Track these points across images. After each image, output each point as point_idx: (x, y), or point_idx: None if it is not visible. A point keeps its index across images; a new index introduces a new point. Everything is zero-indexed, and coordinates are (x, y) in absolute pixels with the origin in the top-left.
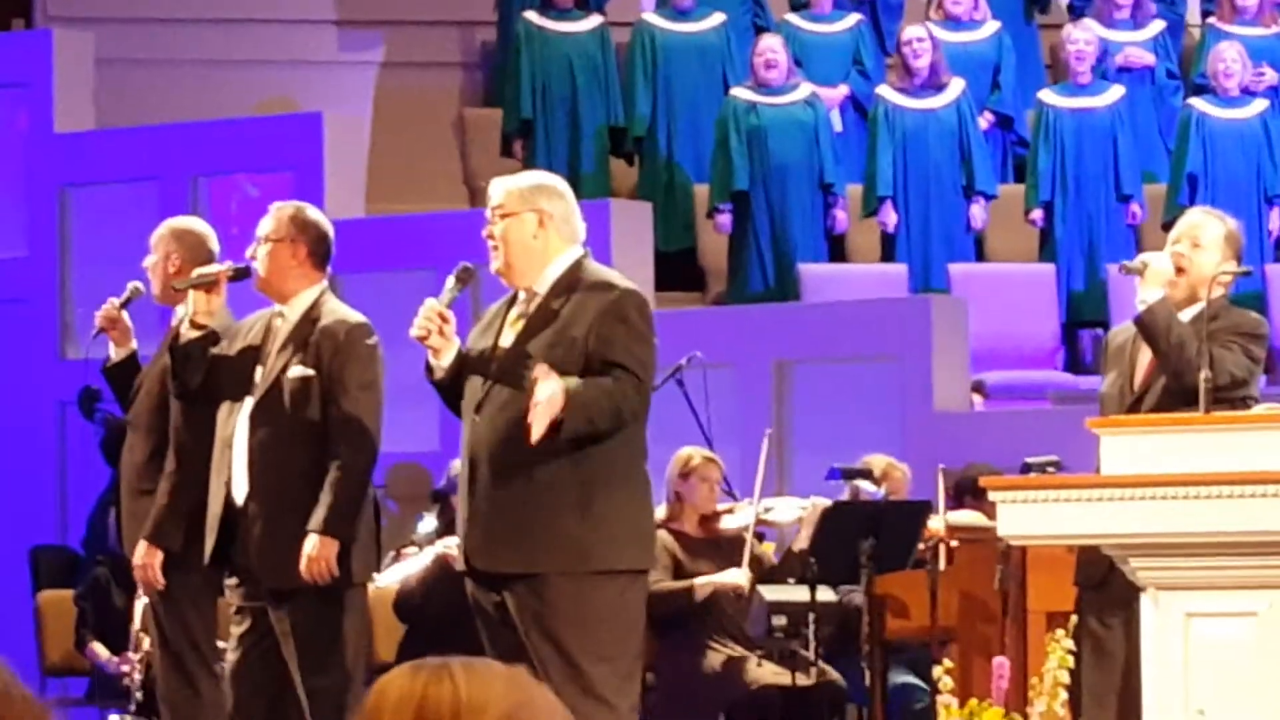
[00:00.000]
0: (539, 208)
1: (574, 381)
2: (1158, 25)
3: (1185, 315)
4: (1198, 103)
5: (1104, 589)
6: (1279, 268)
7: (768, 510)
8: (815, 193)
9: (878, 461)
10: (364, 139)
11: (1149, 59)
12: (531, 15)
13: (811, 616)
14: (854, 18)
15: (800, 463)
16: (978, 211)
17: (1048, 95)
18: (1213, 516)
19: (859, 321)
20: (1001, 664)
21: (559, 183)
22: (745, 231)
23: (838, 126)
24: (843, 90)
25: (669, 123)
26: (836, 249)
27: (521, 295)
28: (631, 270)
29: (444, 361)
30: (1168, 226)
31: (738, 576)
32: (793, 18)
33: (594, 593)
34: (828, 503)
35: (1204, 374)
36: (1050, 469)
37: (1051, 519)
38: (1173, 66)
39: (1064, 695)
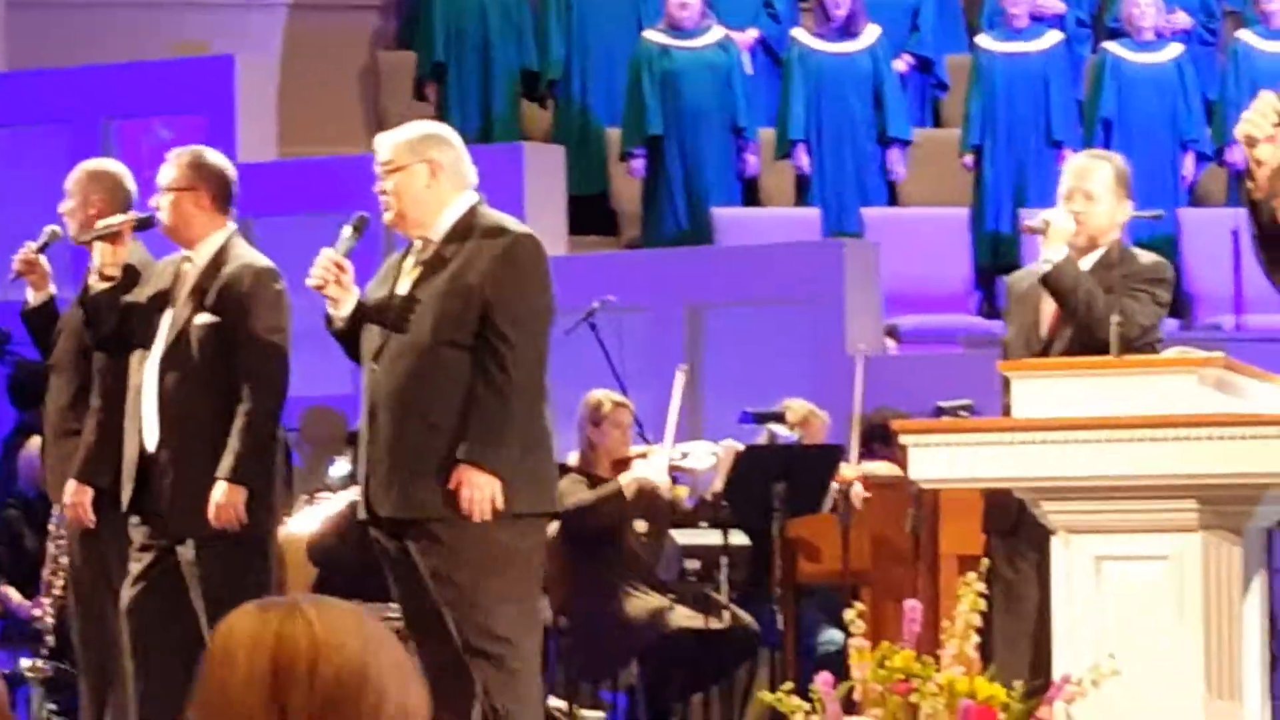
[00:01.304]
0: (429, 158)
1: (477, 441)
2: None
3: (1086, 262)
4: (1112, 47)
5: (1014, 535)
6: (1192, 212)
7: (683, 456)
8: (728, 136)
9: (798, 407)
10: (275, 82)
11: (1060, 7)
12: None
13: (724, 560)
14: None
15: (713, 406)
16: (896, 156)
17: (984, 40)
18: (1123, 460)
19: (772, 265)
20: (913, 607)
21: (446, 130)
22: (658, 175)
23: (748, 70)
24: (753, 33)
25: (582, 66)
26: (750, 193)
27: (417, 244)
28: (544, 214)
29: (343, 311)
30: None
31: (658, 472)
32: None
33: (494, 536)
34: (741, 446)
35: (1115, 317)
36: (963, 413)
37: (963, 462)
38: (1083, 15)
39: (975, 638)
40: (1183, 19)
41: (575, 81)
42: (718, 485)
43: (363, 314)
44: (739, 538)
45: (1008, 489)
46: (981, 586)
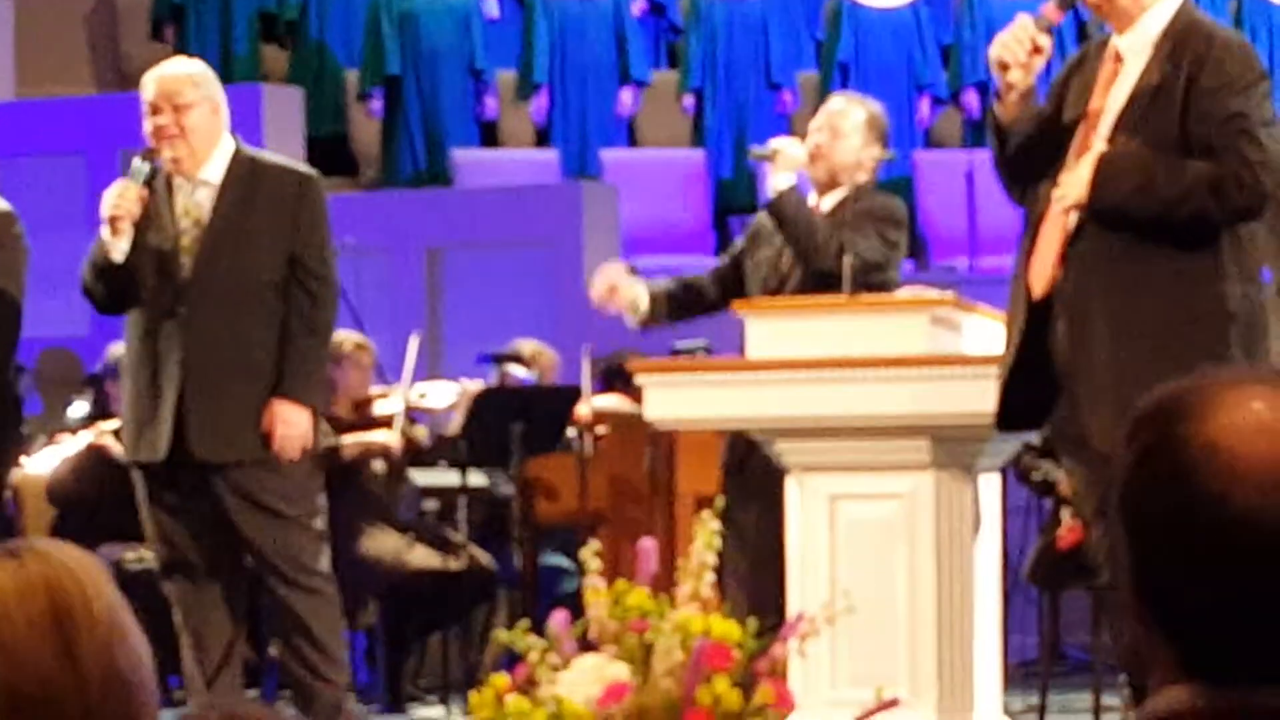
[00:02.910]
0: (210, 95)
1: (295, 378)
2: None
3: (827, 201)
4: None
5: (742, 473)
6: (928, 154)
7: (422, 396)
8: (467, 78)
9: (528, 346)
10: (11, 22)
11: None
12: None
13: (463, 500)
14: None
15: (452, 348)
16: (627, 97)
17: None
18: (857, 399)
19: (511, 207)
20: (648, 546)
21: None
22: (397, 116)
23: (493, 12)
24: None
25: (319, 7)
26: (489, 134)
27: (180, 183)
28: (283, 154)
29: (124, 244)
30: None
31: (387, 437)
32: None
33: (298, 468)
34: (480, 387)
35: (847, 258)
36: (700, 353)
37: (698, 402)
38: None
39: (710, 576)
40: None
41: (312, 22)
42: (456, 426)
43: (149, 255)
44: (477, 478)
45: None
46: (717, 525)
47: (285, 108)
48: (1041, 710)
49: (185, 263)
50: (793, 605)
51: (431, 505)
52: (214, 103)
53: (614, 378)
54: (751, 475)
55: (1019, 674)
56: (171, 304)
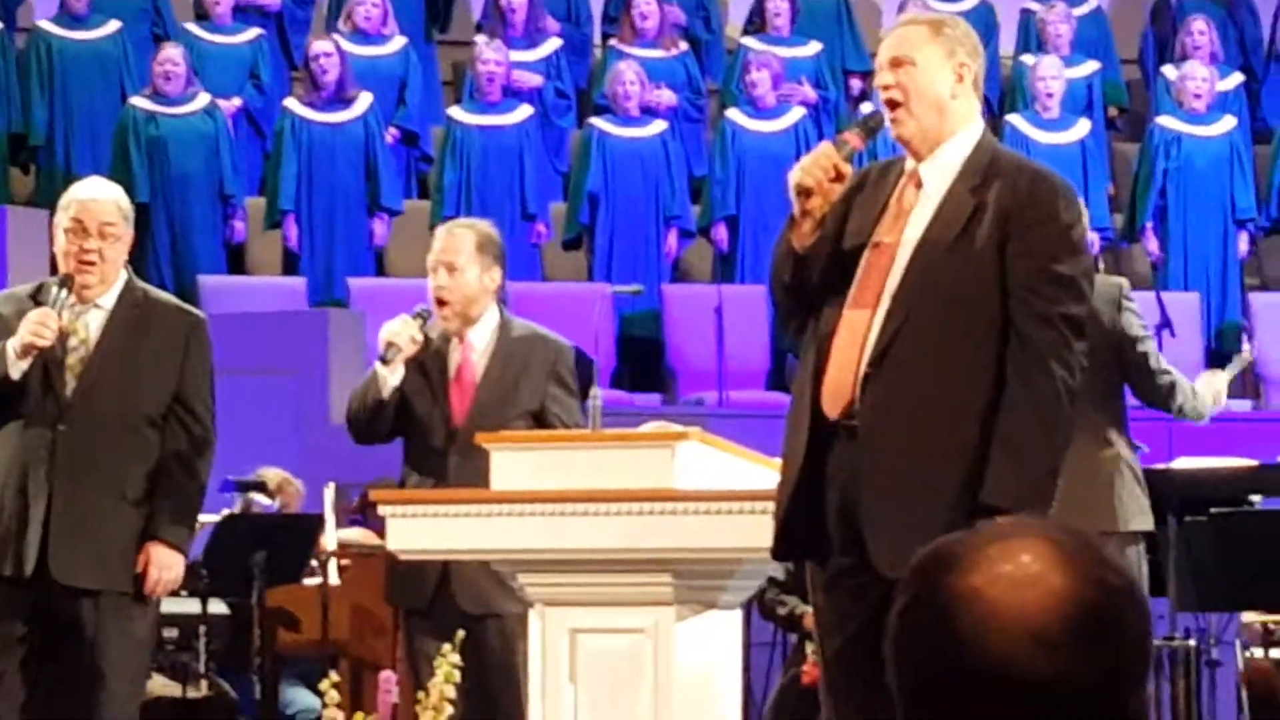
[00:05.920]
0: (130, 228)
1: (173, 521)
2: (551, 45)
3: (478, 338)
4: (599, 122)
5: (431, 613)
6: (676, 287)
7: None
8: (215, 204)
9: (272, 475)
10: None
11: (536, 80)
12: None
13: (203, 629)
14: (255, 31)
15: None
16: (380, 227)
17: (456, 112)
18: (599, 533)
19: (257, 334)
20: (387, 678)
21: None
22: (145, 243)
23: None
24: (236, 102)
25: (66, 131)
26: (237, 261)
27: (65, 295)
28: (28, 277)
29: (25, 365)
30: (568, 245)
31: None
32: (193, 27)
33: (144, 615)
34: (220, 515)
35: (595, 390)
36: None
37: (440, 533)
38: (564, 86)
39: (450, 710)
40: (668, 96)
41: (59, 146)
42: (196, 553)
43: (37, 371)
44: (218, 606)
45: (419, 563)
46: (456, 658)
47: (31, 231)
48: None
49: (69, 381)
50: None
51: (171, 633)
52: (130, 235)
53: (370, 507)
54: (443, 613)
55: None
56: (51, 421)
